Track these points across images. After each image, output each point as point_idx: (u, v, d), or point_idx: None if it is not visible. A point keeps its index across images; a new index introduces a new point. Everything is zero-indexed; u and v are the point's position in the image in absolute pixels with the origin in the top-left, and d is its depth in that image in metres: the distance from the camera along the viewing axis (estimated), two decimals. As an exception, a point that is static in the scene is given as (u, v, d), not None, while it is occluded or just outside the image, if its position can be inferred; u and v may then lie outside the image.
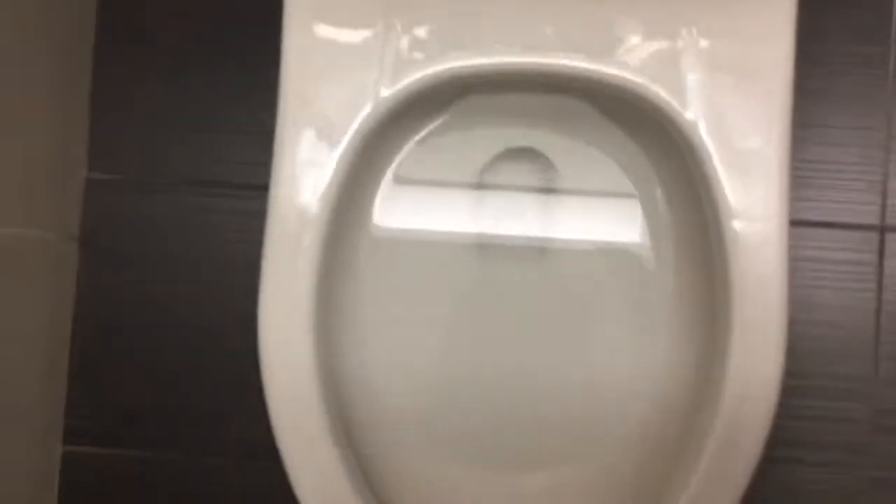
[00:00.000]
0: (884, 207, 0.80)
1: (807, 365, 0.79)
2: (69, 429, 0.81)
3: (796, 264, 0.79)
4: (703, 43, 0.55)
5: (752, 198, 0.55)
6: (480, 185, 0.67)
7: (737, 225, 0.55)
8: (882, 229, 0.80)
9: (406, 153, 0.64)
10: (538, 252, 0.68)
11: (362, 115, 0.54)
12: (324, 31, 0.55)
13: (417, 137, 0.64)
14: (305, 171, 0.54)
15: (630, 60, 0.54)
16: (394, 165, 0.64)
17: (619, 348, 0.66)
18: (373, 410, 0.62)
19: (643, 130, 0.62)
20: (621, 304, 0.67)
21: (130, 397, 0.81)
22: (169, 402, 0.81)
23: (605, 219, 0.68)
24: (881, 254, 0.80)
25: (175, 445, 0.81)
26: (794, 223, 0.77)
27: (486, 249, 0.67)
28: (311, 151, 0.54)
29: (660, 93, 0.54)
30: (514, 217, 0.68)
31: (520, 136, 0.66)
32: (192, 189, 0.81)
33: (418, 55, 0.55)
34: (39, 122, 0.75)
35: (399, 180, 0.65)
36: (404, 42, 0.54)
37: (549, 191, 0.68)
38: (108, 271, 0.82)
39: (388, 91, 0.55)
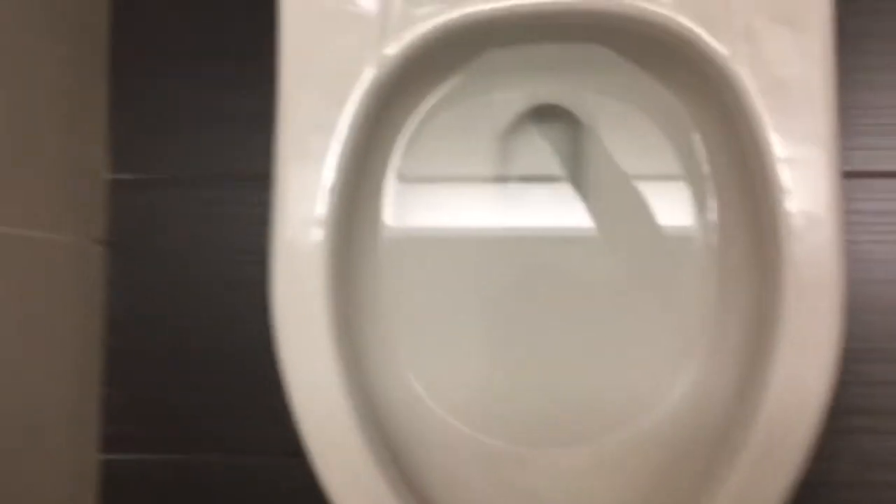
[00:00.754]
0: None
1: (872, 327, 0.76)
2: (106, 436, 0.80)
3: (850, 218, 0.75)
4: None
5: (798, 136, 0.51)
6: (502, 159, 0.64)
7: (782, 167, 0.50)
8: None
9: (417, 124, 0.62)
10: (568, 240, 0.65)
11: (366, 79, 0.51)
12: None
13: (430, 103, 0.61)
14: (309, 144, 0.52)
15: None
16: (405, 138, 0.61)
17: (658, 337, 0.63)
18: (407, 406, 0.60)
19: (674, 72, 0.58)
20: (662, 291, 0.64)
21: (167, 401, 0.80)
22: (206, 403, 0.80)
23: (642, 197, 0.64)
24: None
25: (214, 447, 0.80)
26: (847, 174, 0.74)
27: (512, 238, 0.65)
28: (314, 123, 0.51)
29: (687, 23, 0.50)
30: (542, 200, 0.65)
31: (542, 92, 0.63)
32: (217, 183, 0.80)
33: (424, 8, 0.51)
34: (59, 126, 0.75)
35: (410, 159, 0.63)
36: (408, -2, 0.52)
37: (578, 156, 0.65)
38: (138, 273, 0.81)
39: (394, 49, 0.51)
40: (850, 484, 0.75)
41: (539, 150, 0.65)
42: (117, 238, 0.81)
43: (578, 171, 0.65)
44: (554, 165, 0.65)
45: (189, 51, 0.81)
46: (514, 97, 0.63)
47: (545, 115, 0.65)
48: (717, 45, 0.50)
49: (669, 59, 0.56)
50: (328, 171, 0.52)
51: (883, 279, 0.76)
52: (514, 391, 0.64)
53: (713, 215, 0.62)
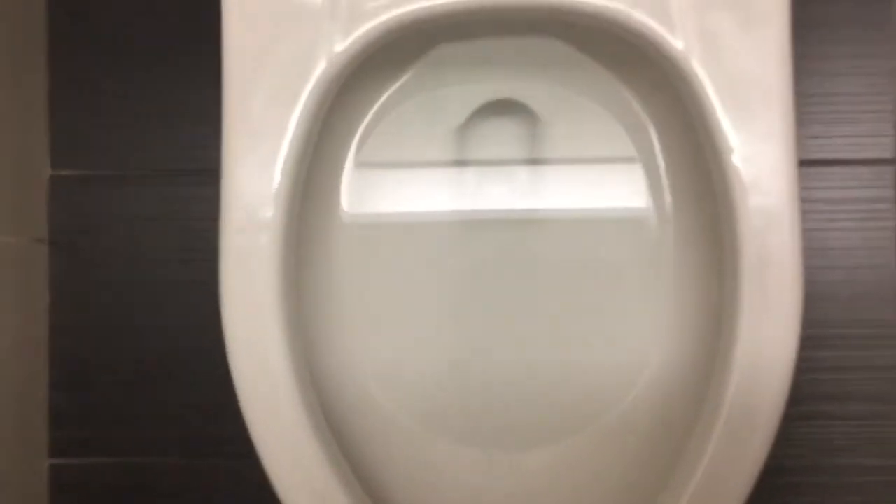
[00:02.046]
0: None
1: (827, 313, 0.76)
2: (55, 440, 0.79)
3: (807, 206, 0.76)
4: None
5: (755, 131, 0.50)
6: (459, 149, 0.63)
7: (738, 161, 0.50)
8: None
9: (372, 116, 0.61)
10: (528, 223, 0.64)
11: (316, 75, 0.49)
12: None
13: (383, 98, 0.60)
14: (258, 144, 0.50)
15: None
16: (360, 130, 0.60)
17: (620, 322, 0.63)
18: (361, 401, 0.59)
19: (630, 67, 0.57)
20: (621, 274, 0.64)
21: (115, 403, 0.79)
22: (156, 405, 0.78)
23: (599, 181, 0.64)
24: None
25: (164, 448, 0.78)
26: (802, 163, 0.75)
27: (471, 223, 0.64)
28: (262, 121, 0.50)
29: (643, 19, 0.49)
30: (500, 185, 0.64)
31: (498, 87, 0.62)
32: (162, 178, 0.79)
33: (374, 3, 0.50)
34: (-3, 122, 0.73)
35: (367, 148, 0.61)
36: (356, -10, 0.50)
37: (535, 149, 0.64)
38: (82, 272, 0.79)
39: (343, 45, 0.50)
40: (814, 469, 0.76)
41: (495, 142, 0.64)
42: (60, 237, 0.79)
43: (535, 162, 0.64)
44: (510, 155, 0.64)
45: (131, 44, 0.79)
46: (469, 91, 0.62)
47: (501, 109, 0.64)
48: (672, 41, 0.50)
49: (626, 55, 0.55)
50: (277, 171, 0.50)
51: (841, 266, 0.76)
52: (474, 386, 0.63)
53: (669, 209, 0.61)
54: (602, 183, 0.63)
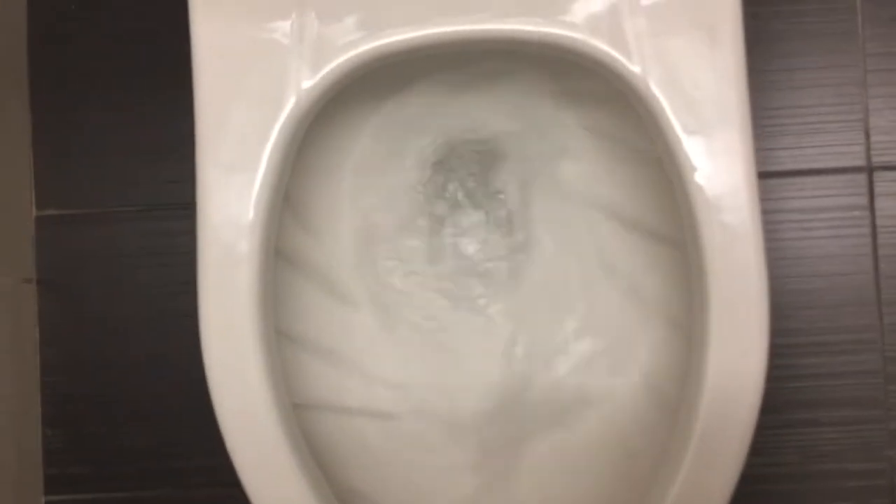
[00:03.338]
0: (868, 146, 0.77)
1: (808, 321, 0.77)
2: (50, 477, 0.79)
3: (782, 216, 0.77)
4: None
5: (715, 149, 0.51)
6: (431, 194, 0.64)
7: (701, 180, 0.51)
8: (869, 169, 0.77)
9: (345, 150, 0.61)
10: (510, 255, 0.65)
11: (286, 111, 0.50)
12: (234, 28, 0.51)
13: (359, 131, 0.61)
14: (232, 179, 0.51)
15: (565, 17, 0.51)
16: (333, 164, 0.61)
17: (590, 344, 0.64)
18: (344, 430, 0.59)
19: (593, 94, 0.58)
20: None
21: (108, 437, 0.79)
22: (148, 439, 0.79)
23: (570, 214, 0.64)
24: (871, 195, 0.77)
25: (159, 481, 0.78)
26: (775, 174, 0.77)
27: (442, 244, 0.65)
28: (235, 157, 0.50)
29: (600, 46, 0.50)
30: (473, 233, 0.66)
31: (467, 123, 0.64)
32: (145, 214, 0.79)
33: (340, 39, 0.51)
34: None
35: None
36: (322, 29, 0.51)
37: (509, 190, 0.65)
38: (71, 310, 0.80)
39: (312, 81, 0.51)
40: (795, 476, 0.76)
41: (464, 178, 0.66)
42: (47, 276, 0.79)
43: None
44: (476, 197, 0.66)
45: (109, 83, 0.80)
46: (439, 127, 0.64)
47: (471, 145, 0.65)
48: (629, 66, 0.51)
49: (587, 82, 0.56)
50: (251, 207, 0.51)
51: (820, 274, 0.77)
52: (454, 387, 0.64)
53: (638, 232, 0.62)
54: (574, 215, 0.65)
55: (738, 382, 0.50)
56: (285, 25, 0.51)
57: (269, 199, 0.51)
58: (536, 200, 0.65)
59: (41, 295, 0.79)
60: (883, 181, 0.77)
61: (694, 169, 0.51)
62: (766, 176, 0.77)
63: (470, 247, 0.66)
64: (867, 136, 0.77)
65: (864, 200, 0.77)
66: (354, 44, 0.51)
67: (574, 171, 0.64)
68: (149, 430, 0.78)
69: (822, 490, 0.76)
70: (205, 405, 0.75)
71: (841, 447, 0.76)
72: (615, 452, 0.61)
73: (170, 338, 0.78)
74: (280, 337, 0.55)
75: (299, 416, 0.55)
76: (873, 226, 0.77)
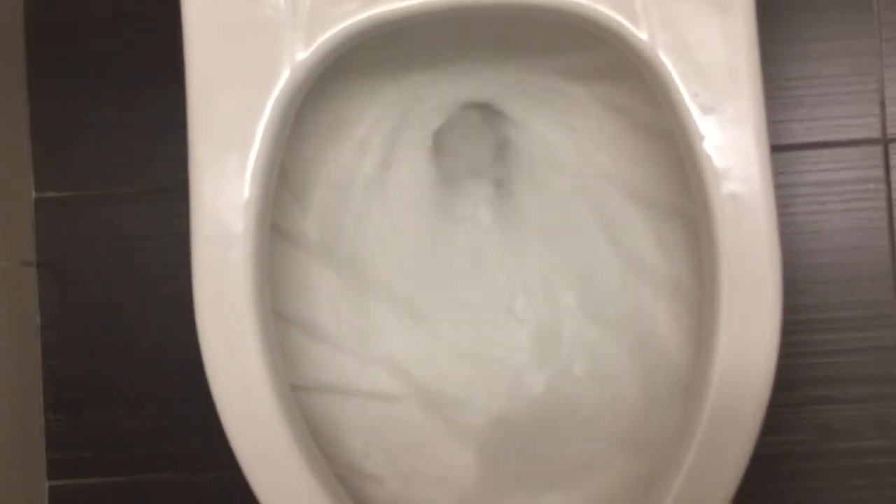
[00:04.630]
0: (884, 118, 0.76)
1: (822, 297, 0.76)
2: (53, 462, 0.79)
3: (796, 190, 0.76)
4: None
5: (725, 118, 0.49)
6: (435, 158, 0.63)
7: (710, 149, 0.49)
8: (885, 141, 0.76)
9: (340, 124, 0.60)
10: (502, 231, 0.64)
11: (280, 85, 0.49)
12: (225, 2, 0.50)
13: (356, 104, 0.59)
14: (226, 157, 0.49)
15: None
16: (330, 138, 0.59)
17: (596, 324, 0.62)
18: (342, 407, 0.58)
19: (600, 62, 0.57)
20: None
21: (111, 421, 0.78)
22: (151, 422, 0.78)
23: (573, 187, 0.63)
24: (887, 167, 0.76)
25: (162, 465, 0.78)
26: (789, 147, 0.75)
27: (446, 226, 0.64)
28: (228, 134, 0.49)
29: (607, 12, 0.49)
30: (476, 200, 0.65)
31: (469, 90, 0.63)
32: (145, 196, 0.78)
33: (334, 9, 0.49)
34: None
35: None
36: (316, 0, 0.49)
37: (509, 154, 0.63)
38: (71, 293, 0.79)
39: (305, 53, 0.49)
40: (810, 454, 0.75)
41: (470, 147, 0.64)
42: (47, 259, 0.79)
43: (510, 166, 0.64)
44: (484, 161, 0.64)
45: (108, 64, 0.79)
46: (441, 97, 0.62)
47: (474, 114, 0.64)
48: (637, 32, 0.49)
49: (594, 49, 0.55)
50: (245, 185, 0.50)
51: (835, 249, 0.76)
52: (457, 370, 0.63)
53: (646, 205, 0.61)
54: (576, 186, 0.63)
55: (751, 359, 0.49)
56: (279, -4, 0.49)
57: (264, 176, 0.50)
58: (539, 171, 0.64)
59: (41, 278, 0.79)
60: (899, 153, 0.75)
61: (702, 138, 0.49)
62: (780, 149, 0.75)
63: (473, 219, 0.65)
64: (882, 107, 0.76)
65: (879, 173, 0.76)
66: (350, 13, 0.49)
67: (578, 142, 0.62)
68: (151, 414, 0.78)
69: (838, 468, 0.75)
70: (207, 388, 0.76)
71: (857, 424, 0.75)
72: (624, 431, 0.60)
73: (171, 320, 0.78)
74: (277, 318, 0.54)
75: (298, 397, 0.53)
76: (889, 199, 0.75)
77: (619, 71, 0.56)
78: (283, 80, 0.49)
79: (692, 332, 0.57)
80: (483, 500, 0.58)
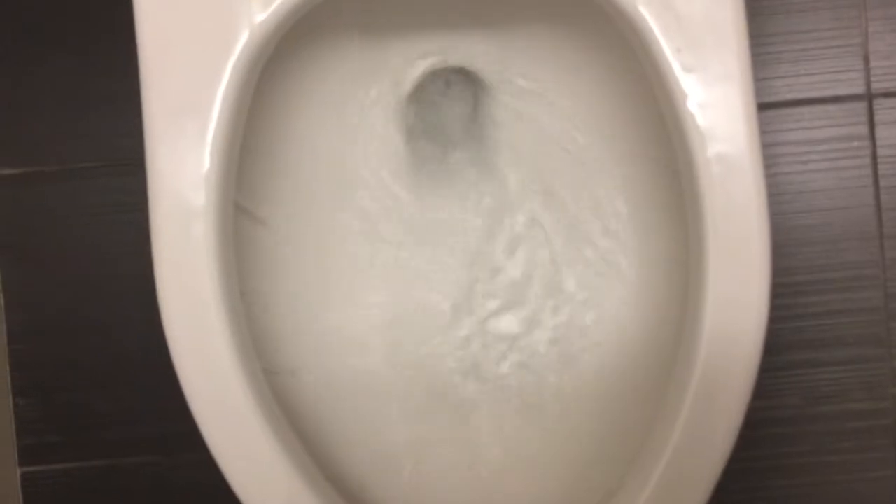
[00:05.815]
0: (867, 72, 0.75)
1: (807, 258, 0.75)
2: (24, 449, 0.77)
3: (779, 149, 0.75)
4: None
5: (710, 75, 0.47)
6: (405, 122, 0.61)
7: (694, 108, 0.47)
8: (869, 97, 0.75)
9: (306, 91, 0.57)
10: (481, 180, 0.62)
11: (238, 48, 0.46)
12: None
13: (319, 70, 0.57)
14: (183, 125, 0.47)
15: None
16: (294, 102, 0.57)
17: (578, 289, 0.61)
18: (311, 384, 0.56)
19: (578, 18, 0.54)
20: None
21: (81, 404, 0.77)
22: (120, 402, 0.77)
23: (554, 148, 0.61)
24: (871, 124, 0.75)
25: (135, 447, 0.77)
26: (771, 105, 0.74)
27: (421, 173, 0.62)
28: (185, 100, 0.47)
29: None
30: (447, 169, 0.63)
31: (439, 51, 0.60)
32: (107, 170, 0.76)
33: (295, -33, 0.47)
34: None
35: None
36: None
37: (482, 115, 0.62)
38: (34, 273, 0.77)
39: (264, 14, 0.47)
40: (797, 418, 0.75)
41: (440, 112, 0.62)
42: (7, 238, 0.77)
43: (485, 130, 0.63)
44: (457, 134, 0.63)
45: (63, 33, 0.76)
46: (410, 58, 0.60)
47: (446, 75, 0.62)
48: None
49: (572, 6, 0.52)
50: (205, 155, 0.47)
51: (819, 209, 0.75)
52: (429, 342, 0.62)
53: (628, 165, 0.59)
54: (558, 148, 0.62)
55: (740, 322, 0.48)
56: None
57: (225, 146, 0.47)
58: (519, 136, 0.62)
59: (1, 259, 0.77)
60: (883, 109, 0.74)
61: (685, 96, 0.47)
62: (761, 108, 0.74)
63: (449, 192, 0.63)
64: (866, 61, 0.74)
65: (864, 130, 0.74)
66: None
67: (558, 106, 0.60)
68: (123, 395, 0.77)
69: (824, 431, 0.75)
70: (178, 368, 0.74)
71: (843, 387, 0.75)
72: (610, 397, 0.59)
73: (140, 299, 0.74)
74: (244, 297, 0.51)
75: (270, 379, 0.51)
76: (874, 156, 0.74)
77: (598, 32, 0.54)
78: (241, 43, 0.47)
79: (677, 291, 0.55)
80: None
